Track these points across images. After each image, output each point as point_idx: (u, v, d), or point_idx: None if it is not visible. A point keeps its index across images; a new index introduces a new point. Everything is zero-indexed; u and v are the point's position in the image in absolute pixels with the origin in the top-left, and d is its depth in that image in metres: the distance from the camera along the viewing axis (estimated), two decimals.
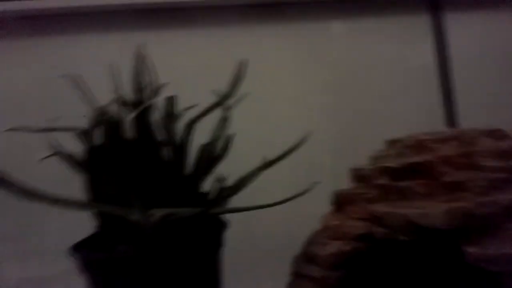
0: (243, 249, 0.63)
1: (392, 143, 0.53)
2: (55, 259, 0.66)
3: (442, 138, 0.48)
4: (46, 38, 0.63)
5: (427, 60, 0.73)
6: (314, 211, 0.58)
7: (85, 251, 0.43)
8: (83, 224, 0.46)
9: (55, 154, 0.45)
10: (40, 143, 0.45)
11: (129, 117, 0.42)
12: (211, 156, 0.48)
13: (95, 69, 0.49)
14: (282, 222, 0.67)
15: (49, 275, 0.65)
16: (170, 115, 0.48)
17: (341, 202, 0.52)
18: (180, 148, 0.47)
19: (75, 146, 0.45)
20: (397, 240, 0.43)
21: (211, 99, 0.48)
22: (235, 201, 0.48)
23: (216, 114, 0.48)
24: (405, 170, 0.46)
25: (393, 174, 0.47)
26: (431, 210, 0.41)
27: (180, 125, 0.48)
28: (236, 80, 0.44)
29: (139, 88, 0.43)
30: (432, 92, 0.73)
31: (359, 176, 0.52)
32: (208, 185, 0.49)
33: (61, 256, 0.65)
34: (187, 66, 0.65)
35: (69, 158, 0.45)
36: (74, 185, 0.44)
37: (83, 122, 0.45)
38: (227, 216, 0.49)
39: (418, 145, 0.48)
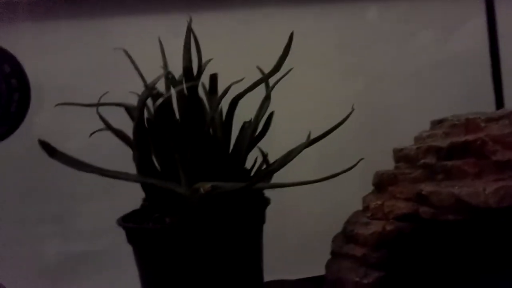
0: (281, 229, 0.64)
1: (438, 123, 0.52)
2: (96, 237, 0.68)
3: (492, 117, 0.46)
4: (94, 20, 0.65)
5: (473, 43, 0.71)
6: (348, 192, 0.58)
7: (133, 222, 0.44)
8: (124, 205, 0.48)
9: (105, 129, 0.47)
10: (90, 118, 0.47)
11: (176, 89, 0.42)
12: (253, 133, 0.49)
13: (141, 49, 0.50)
14: (317, 203, 0.67)
15: (92, 252, 0.68)
16: (214, 92, 0.48)
17: (383, 182, 0.51)
18: (225, 125, 0.48)
19: (125, 122, 0.47)
20: (444, 220, 0.43)
21: (250, 79, 0.48)
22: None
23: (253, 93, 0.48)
24: (453, 149, 0.45)
25: (439, 154, 0.46)
26: (482, 189, 0.40)
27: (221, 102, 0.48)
28: (285, 54, 0.44)
29: (188, 65, 0.43)
30: (476, 76, 0.71)
31: (402, 156, 0.51)
32: (249, 161, 0.49)
33: (101, 234, 0.68)
34: (227, 47, 0.65)
35: (119, 133, 0.47)
36: (123, 160, 0.46)
37: (133, 99, 0.46)
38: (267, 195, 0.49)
39: (467, 124, 0.47)
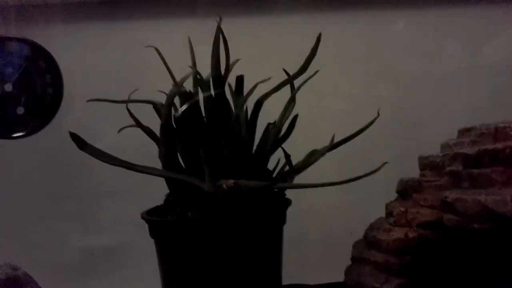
0: (301, 232, 0.64)
1: (466, 131, 0.51)
2: (118, 233, 0.69)
3: None
4: (122, 22, 0.67)
5: (504, 52, 0.69)
6: (371, 200, 0.57)
7: (157, 215, 0.45)
8: (145, 202, 0.49)
9: (134, 125, 0.48)
10: (119, 114, 0.48)
11: (205, 94, 0.43)
12: (277, 134, 0.49)
13: (169, 51, 0.51)
14: (338, 208, 0.67)
15: (113, 246, 0.69)
16: (240, 92, 0.49)
17: (408, 189, 0.51)
18: (249, 125, 0.48)
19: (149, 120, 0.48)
20: (469, 228, 0.42)
21: (275, 82, 0.49)
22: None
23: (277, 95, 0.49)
24: (481, 157, 0.44)
25: (466, 161, 0.46)
26: (510, 197, 0.39)
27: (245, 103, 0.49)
28: (312, 55, 0.44)
29: (216, 67, 0.44)
30: (506, 85, 0.69)
31: (428, 163, 0.50)
32: (272, 163, 0.50)
33: (123, 230, 0.69)
34: (254, 51, 0.66)
35: (147, 129, 0.48)
36: (150, 155, 0.47)
37: (161, 97, 0.47)
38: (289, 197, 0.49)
39: (496, 133, 0.46)
